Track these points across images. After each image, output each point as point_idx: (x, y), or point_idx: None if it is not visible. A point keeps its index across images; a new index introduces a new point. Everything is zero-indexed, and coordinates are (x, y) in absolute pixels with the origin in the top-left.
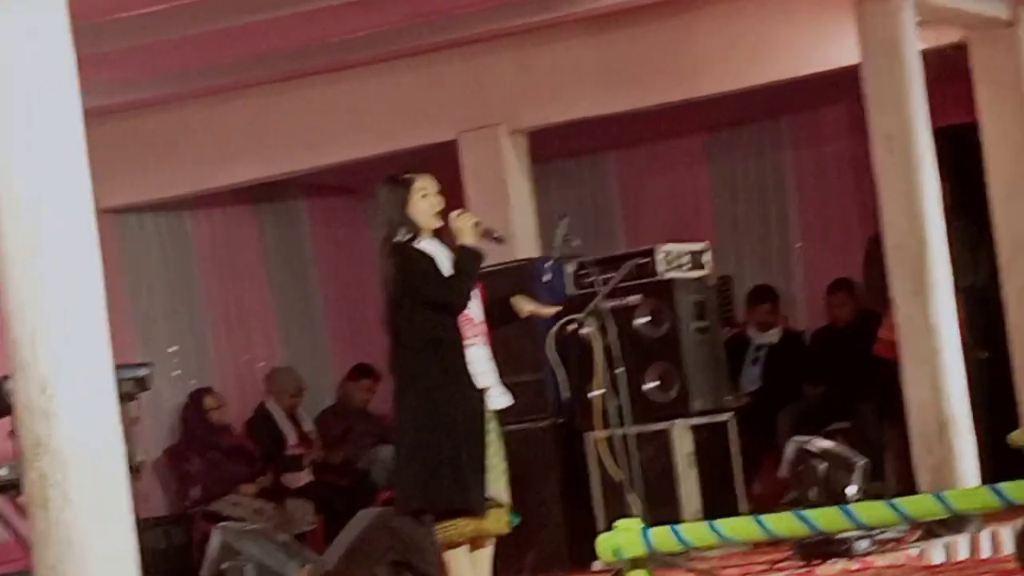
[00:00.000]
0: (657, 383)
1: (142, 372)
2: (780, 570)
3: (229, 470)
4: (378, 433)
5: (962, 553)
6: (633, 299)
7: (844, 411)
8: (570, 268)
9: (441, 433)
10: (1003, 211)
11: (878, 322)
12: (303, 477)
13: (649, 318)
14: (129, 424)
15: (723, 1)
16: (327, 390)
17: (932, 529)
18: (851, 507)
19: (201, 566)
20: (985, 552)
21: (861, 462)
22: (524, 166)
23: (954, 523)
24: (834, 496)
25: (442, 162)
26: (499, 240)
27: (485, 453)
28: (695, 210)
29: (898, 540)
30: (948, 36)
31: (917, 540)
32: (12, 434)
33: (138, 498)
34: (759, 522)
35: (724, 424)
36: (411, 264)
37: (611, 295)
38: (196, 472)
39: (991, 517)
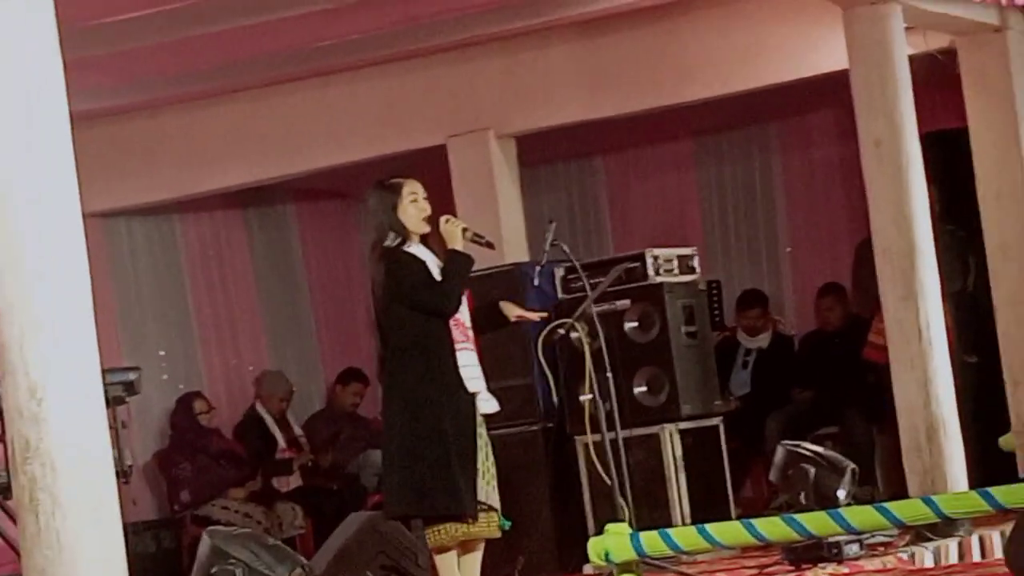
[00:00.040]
0: (646, 387)
1: (131, 376)
2: (769, 574)
3: (218, 474)
4: (367, 437)
5: (952, 557)
6: (622, 303)
7: (833, 415)
8: (559, 272)
9: (430, 438)
10: (992, 216)
11: (867, 327)
12: (292, 481)
13: (638, 322)
14: (118, 428)
15: (712, 6)
16: (316, 394)
17: (922, 533)
18: (841, 511)
19: (191, 570)
20: (975, 556)
21: (851, 466)
22: (513, 171)
23: (944, 527)
24: (824, 500)
25: (431, 166)
26: (488, 245)
27: (475, 457)
28: (684, 215)
29: (888, 544)
30: (937, 41)
31: (907, 544)
32: (1, 438)
33: (127, 502)
34: (749, 526)
35: (714, 428)
36: (401, 269)
37: (600, 299)
38: (185, 476)
39: (981, 521)
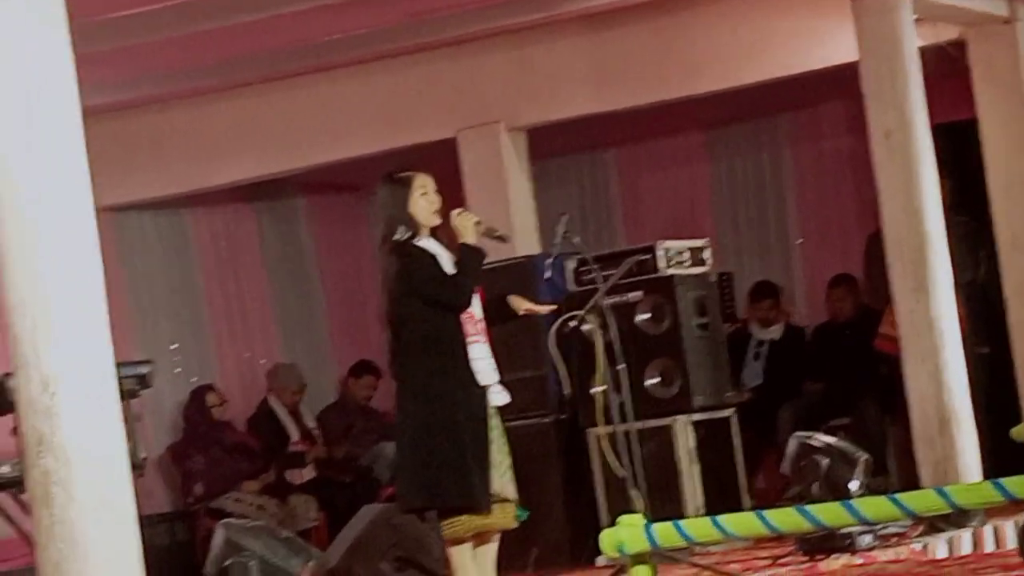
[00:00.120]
0: (658, 379)
1: (144, 369)
2: (783, 565)
3: (232, 467)
4: (380, 430)
5: (965, 548)
6: (634, 296)
7: (846, 406)
8: (571, 265)
9: (444, 431)
10: (1002, 207)
11: (879, 318)
12: (306, 473)
13: (650, 314)
14: (131, 421)
15: None
16: (328, 387)
17: (935, 524)
18: (854, 502)
19: (205, 563)
20: (988, 547)
21: (863, 457)
22: (523, 163)
23: (957, 518)
24: (836, 491)
25: (441, 160)
26: (501, 239)
27: (488, 450)
28: (695, 207)
29: (901, 535)
30: (946, 33)
31: (920, 535)
32: (15, 431)
33: (141, 495)
34: (761, 517)
35: (726, 420)
36: (414, 263)
37: (612, 292)
38: (199, 469)
39: (994, 512)
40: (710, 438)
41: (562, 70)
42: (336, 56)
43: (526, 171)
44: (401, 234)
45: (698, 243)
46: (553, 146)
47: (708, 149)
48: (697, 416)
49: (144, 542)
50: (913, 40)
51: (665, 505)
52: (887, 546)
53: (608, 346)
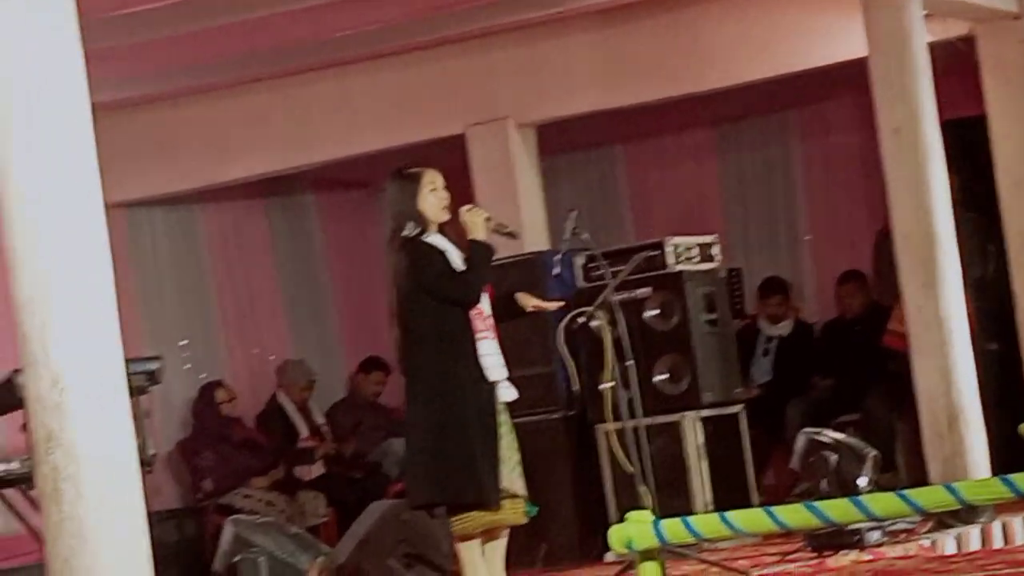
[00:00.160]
0: (667, 375)
1: (153, 366)
2: (792, 561)
3: (241, 463)
4: (389, 426)
5: (974, 544)
6: (643, 292)
7: (854, 403)
8: (580, 261)
9: (454, 427)
10: (1012, 203)
11: (888, 314)
12: (315, 470)
13: (659, 311)
14: (140, 417)
15: None
16: (337, 383)
17: (944, 520)
18: (862, 498)
19: (214, 559)
20: (997, 543)
21: (872, 453)
22: (533, 159)
23: (965, 514)
24: (845, 487)
25: (450, 156)
26: (511, 235)
27: (498, 446)
28: (704, 203)
29: (910, 531)
30: (955, 29)
31: (929, 531)
32: (24, 428)
33: (150, 491)
34: (770, 514)
35: (735, 416)
36: (423, 259)
37: (621, 288)
38: (208, 465)
39: (1003, 508)
40: (719, 434)
41: (571, 66)
42: (346, 52)
43: (535, 167)
44: (410, 230)
45: (707, 239)
46: (562, 142)
47: (717, 145)
48: (706, 412)
49: (153, 538)
50: (922, 36)
51: (674, 501)
52: (896, 542)
53: (617, 342)
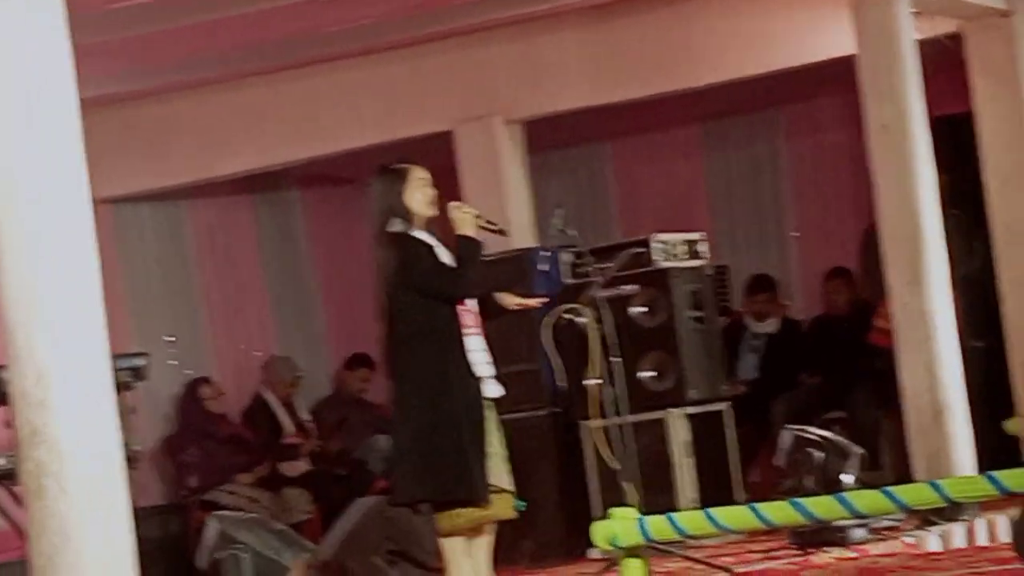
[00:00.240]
0: (653, 372)
1: (139, 362)
2: (776, 558)
3: (226, 459)
4: (374, 422)
5: (958, 541)
6: (629, 288)
7: (840, 400)
8: (566, 257)
9: (445, 423)
10: (999, 200)
11: (874, 311)
12: (300, 466)
13: (645, 307)
14: (126, 413)
15: None
16: (323, 379)
17: (928, 517)
18: (847, 495)
19: (197, 555)
20: (981, 540)
21: (857, 450)
22: (520, 156)
23: (950, 511)
24: (830, 484)
25: (438, 152)
26: (501, 232)
27: (486, 441)
28: (691, 200)
29: (894, 528)
30: (944, 26)
31: (913, 528)
32: (9, 424)
33: (135, 487)
34: (755, 511)
35: (720, 413)
36: (415, 254)
37: (607, 284)
38: (193, 461)
39: (987, 505)
40: (704, 431)
41: (560, 63)
42: (333, 48)
43: (523, 163)
44: (396, 226)
45: (694, 236)
46: (550, 138)
47: (705, 142)
48: (691, 409)
49: (137, 534)
50: (910, 33)
51: (658, 498)
52: (880, 539)
53: (603, 339)
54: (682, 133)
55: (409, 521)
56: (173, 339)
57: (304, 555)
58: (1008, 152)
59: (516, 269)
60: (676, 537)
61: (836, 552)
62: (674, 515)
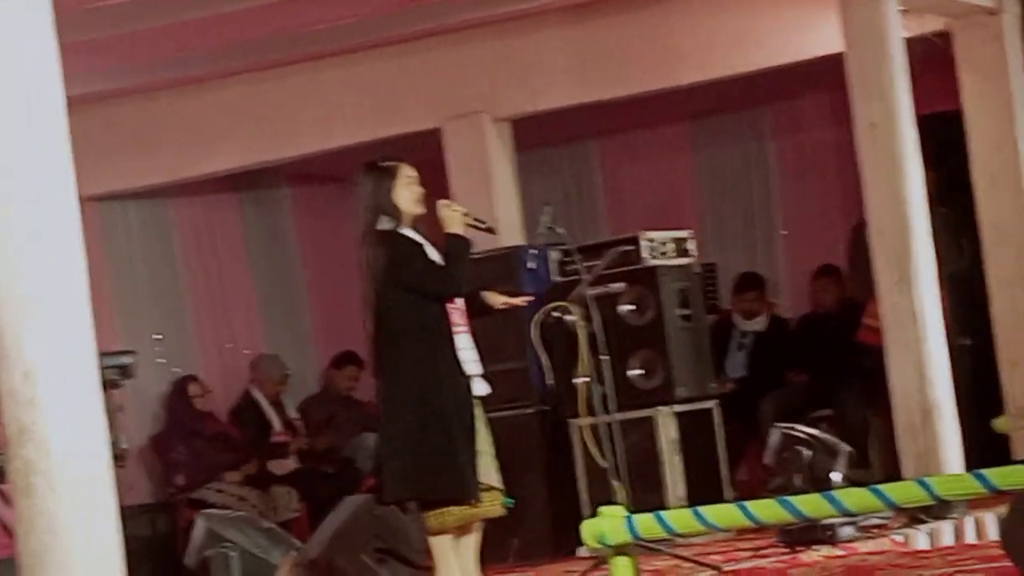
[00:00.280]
0: (641, 370)
1: (126, 360)
2: (764, 556)
3: (214, 458)
4: (362, 420)
5: (946, 539)
6: (617, 286)
7: (828, 398)
8: (554, 255)
9: (435, 422)
10: (986, 199)
11: (862, 309)
12: (288, 464)
13: (633, 305)
14: (113, 412)
15: None
16: (311, 378)
17: (916, 515)
18: (835, 493)
19: (185, 553)
20: (970, 538)
21: (845, 448)
22: (508, 154)
23: (938, 509)
24: (818, 483)
25: (425, 150)
26: (489, 230)
27: (475, 439)
28: (679, 198)
29: (882, 526)
30: (932, 24)
31: (901, 526)
32: None
33: (122, 486)
34: (743, 509)
35: (708, 411)
36: (405, 252)
37: (595, 282)
38: (181, 460)
39: (975, 503)
40: (692, 429)
41: (546, 60)
42: (321, 46)
43: (510, 161)
44: (384, 224)
45: (682, 234)
46: (538, 137)
47: (692, 140)
48: (679, 407)
49: (125, 533)
50: (898, 31)
51: (647, 496)
52: (869, 537)
53: (591, 337)
54: (670, 131)
55: (398, 519)
56: (160, 337)
57: (292, 553)
58: (996, 150)
59: (504, 267)
60: (664, 535)
61: (824, 550)
62: (662, 513)
